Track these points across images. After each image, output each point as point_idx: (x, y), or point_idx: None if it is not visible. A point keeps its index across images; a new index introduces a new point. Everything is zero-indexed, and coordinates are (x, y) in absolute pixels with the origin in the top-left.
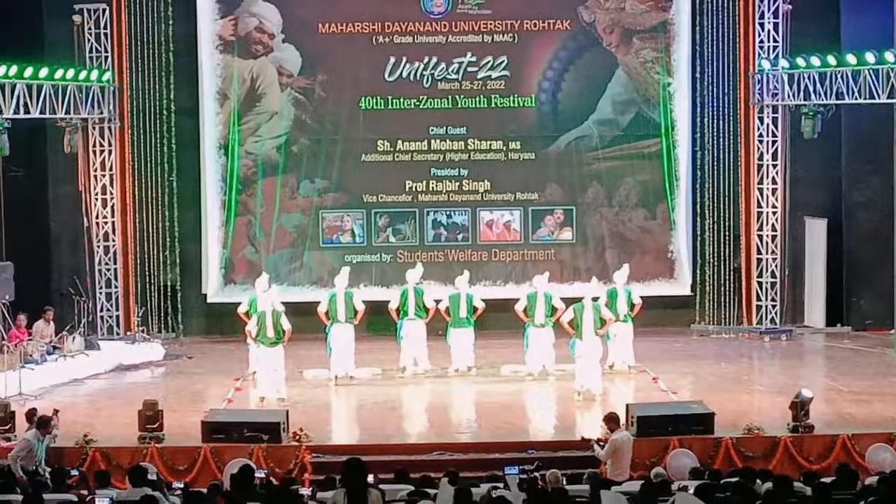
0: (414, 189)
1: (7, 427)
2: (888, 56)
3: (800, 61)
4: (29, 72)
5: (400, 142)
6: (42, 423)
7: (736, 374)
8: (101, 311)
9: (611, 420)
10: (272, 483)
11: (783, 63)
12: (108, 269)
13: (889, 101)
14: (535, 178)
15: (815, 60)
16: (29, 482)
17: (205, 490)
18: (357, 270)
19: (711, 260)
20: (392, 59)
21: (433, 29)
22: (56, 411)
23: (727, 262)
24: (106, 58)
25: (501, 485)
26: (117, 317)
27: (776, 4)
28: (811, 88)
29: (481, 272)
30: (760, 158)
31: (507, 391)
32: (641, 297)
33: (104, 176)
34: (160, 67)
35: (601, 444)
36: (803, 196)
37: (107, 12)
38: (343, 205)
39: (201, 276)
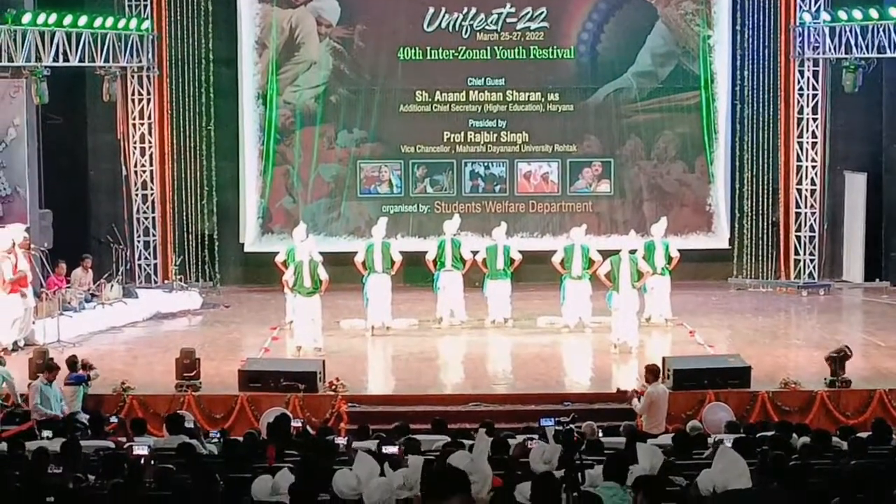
0: (452, 140)
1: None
2: None
3: (841, 14)
4: (68, 20)
5: (438, 92)
6: (48, 368)
7: (773, 329)
8: (139, 259)
9: (650, 372)
10: (308, 432)
11: (824, 16)
12: (147, 218)
13: None
14: (573, 130)
15: (857, 13)
16: (66, 427)
17: (241, 438)
18: (394, 221)
19: (749, 213)
20: (431, 10)
21: None
22: (86, 362)
23: (765, 216)
24: (145, 6)
25: (537, 436)
26: (155, 265)
27: None
28: (852, 42)
29: (518, 224)
30: (800, 112)
31: (543, 343)
32: (679, 251)
33: (143, 124)
34: (199, 16)
35: (638, 395)
36: (843, 150)
37: None
38: (381, 155)
39: (239, 225)
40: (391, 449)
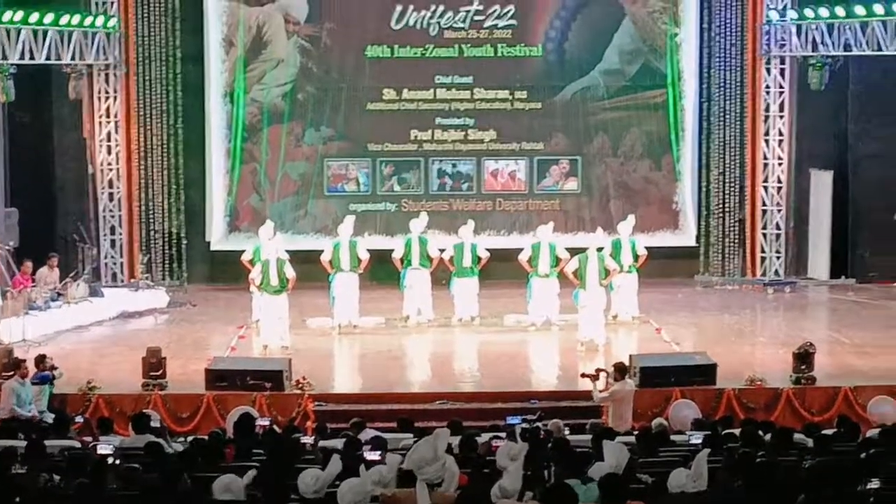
0: (419, 138)
1: (10, 374)
2: None
3: (808, 12)
4: (34, 17)
5: (405, 90)
6: (15, 365)
7: (739, 326)
8: (106, 258)
9: (617, 370)
10: (275, 431)
11: (791, 14)
12: (113, 216)
13: None
14: (540, 128)
15: (824, 11)
16: (31, 428)
17: (206, 437)
18: (361, 219)
19: (716, 211)
20: (399, 8)
21: None
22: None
23: (732, 214)
24: (112, 4)
25: (504, 434)
26: (121, 264)
27: None
28: (819, 39)
29: (486, 222)
30: (767, 110)
31: (510, 341)
32: (646, 248)
33: (109, 122)
34: (166, 14)
35: (605, 373)
36: (809, 148)
37: None
38: (348, 153)
39: (205, 223)
40: (373, 455)
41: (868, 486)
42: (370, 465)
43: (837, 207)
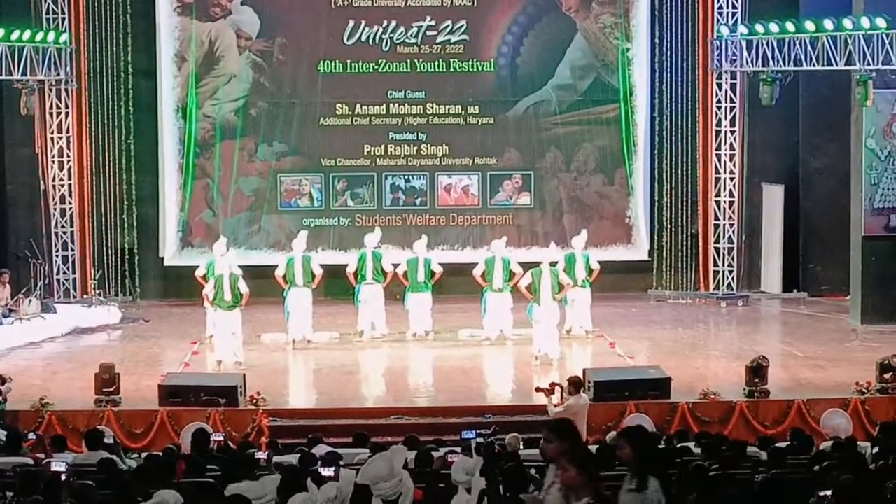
0: (372, 153)
1: None
2: (846, 23)
3: (758, 27)
4: None
5: (358, 105)
6: None
7: (692, 340)
8: (58, 274)
9: (572, 384)
10: (229, 446)
11: (742, 29)
12: (65, 232)
13: (847, 68)
14: (493, 143)
15: (774, 27)
16: None
17: (160, 453)
18: (315, 234)
19: (669, 225)
20: (351, 23)
21: None
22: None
23: (684, 228)
24: (63, 19)
25: (459, 449)
26: (74, 280)
27: None
28: (769, 55)
29: (439, 236)
30: (718, 124)
31: (464, 356)
32: (599, 263)
33: (61, 138)
34: (117, 29)
35: (560, 388)
36: (761, 162)
37: None
38: (301, 168)
39: (158, 239)
40: (328, 471)
41: (821, 496)
42: (324, 480)
43: (789, 221)
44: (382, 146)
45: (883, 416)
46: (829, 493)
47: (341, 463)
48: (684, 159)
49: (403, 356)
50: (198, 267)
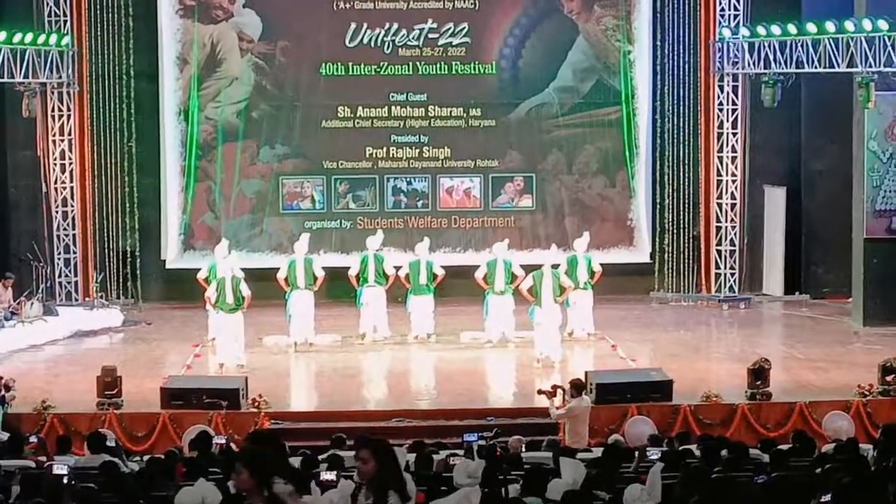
0: (374, 155)
1: None
2: (848, 25)
3: (760, 30)
4: None
5: (360, 108)
6: None
7: (694, 342)
8: (60, 276)
9: (574, 387)
10: (232, 449)
11: (744, 31)
12: (67, 235)
13: (848, 70)
14: (495, 145)
15: (776, 29)
16: None
17: (163, 456)
18: (317, 237)
19: (671, 228)
20: (353, 25)
21: None
22: (1, 381)
23: (686, 230)
24: (65, 22)
25: (461, 451)
26: (76, 283)
27: None
28: (771, 57)
29: (441, 239)
30: (720, 127)
31: (466, 358)
32: (601, 265)
33: (63, 141)
34: (119, 32)
35: (562, 390)
36: (762, 164)
37: None
38: (303, 171)
39: (160, 242)
40: (329, 475)
41: (822, 501)
42: (326, 485)
43: (791, 223)
44: (384, 148)
45: (885, 419)
46: (830, 495)
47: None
48: (686, 161)
49: (405, 359)
50: (200, 269)
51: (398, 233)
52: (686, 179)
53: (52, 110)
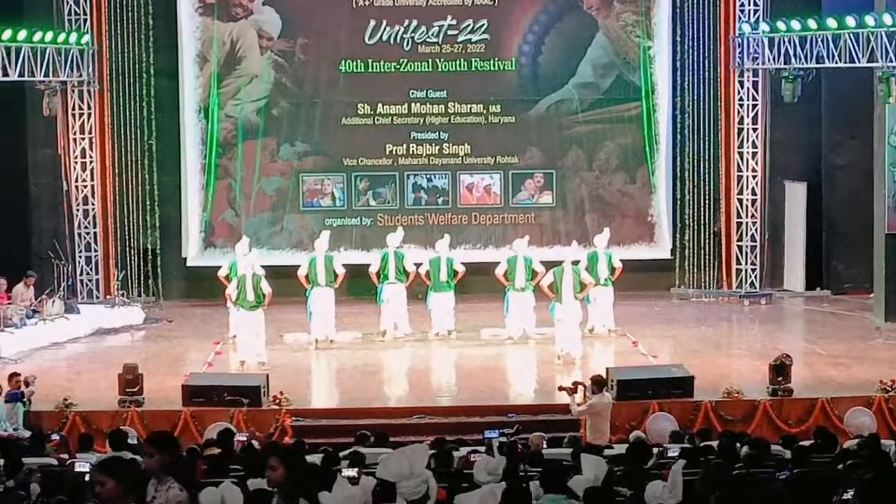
0: (394, 152)
1: None
2: (868, 20)
3: (780, 25)
4: (7, 34)
5: (380, 105)
6: None
7: (715, 338)
8: (81, 274)
9: (595, 383)
10: (253, 446)
11: (764, 27)
12: (88, 233)
13: (869, 64)
14: (515, 142)
15: (796, 24)
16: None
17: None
18: (337, 234)
19: (691, 224)
20: (372, 22)
21: None
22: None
23: (707, 226)
24: (85, 20)
25: (482, 448)
26: (97, 280)
27: None
28: (791, 52)
29: (461, 236)
30: (740, 122)
31: (487, 355)
32: (621, 261)
33: (83, 139)
34: (139, 30)
35: (583, 387)
36: (783, 160)
37: None
38: (323, 168)
39: (181, 239)
40: (350, 472)
41: (844, 497)
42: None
43: (812, 219)
44: (404, 145)
45: None
46: (853, 491)
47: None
48: (706, 157)
49: (426, 355)
50: (220, 267)
51: (418, 230)
52: (706, 175)
53: (73, 109)
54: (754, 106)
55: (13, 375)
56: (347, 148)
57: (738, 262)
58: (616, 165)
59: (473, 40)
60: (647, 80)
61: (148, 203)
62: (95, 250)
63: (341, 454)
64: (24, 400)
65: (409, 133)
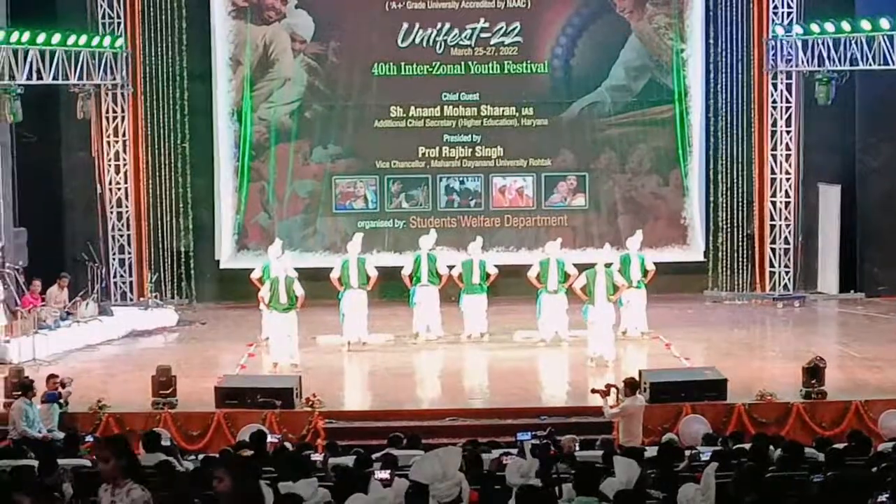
0: (427, 155)
1: (20, 394)
2: None
3: (814, 27)
4: (42, 38)
5: (412, 108)
6: (24, 388)
7: (749, 341)
8: (115, 277)
9: (628, 385)
10: (286, 448)
11: (797, 29)
12: (122, 236)
13: None
14: (547, 145)
15: (829, 26)
16: (43, 447)
17: (217, 455)
18: (370, 236)
19: (724, 226)
20: (405, 25)
21: None
22: (58, 380)
23: (740, 229)
24: (118, 24)
25: (514, 451)
26: (130, 283)
27: None
28: (825, 54)
29: (494, 238)
30: (774, 125)
31: (519, 357)
32: (654, 264)
33: (117, 142)
34: (173, 33)
35: (616, 389)
36: (817, 162)
37: None
38: (356, 171)
39: (214, 242)
40: (383, 474)
41: (879, 500)
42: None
43: (845, 221)
44: (437, 148)
45: None
46: (887, 494)
47: (398, 465)
48: (740, 160)
49: (458, 358)
50: (253, 269)
51: (451, 232)
52: (740, 178)
53: (107, 112)
54: (788, 108)
55: (51, 377)
56: (380, 150)
57: (772, 265)
58: (649, 168)
59: (506, 43)
60: (680, 82)
61: (181, 206)
62: (129, 253)
63: (374, 456)
64: (62, 401)
65: (441, 135)
